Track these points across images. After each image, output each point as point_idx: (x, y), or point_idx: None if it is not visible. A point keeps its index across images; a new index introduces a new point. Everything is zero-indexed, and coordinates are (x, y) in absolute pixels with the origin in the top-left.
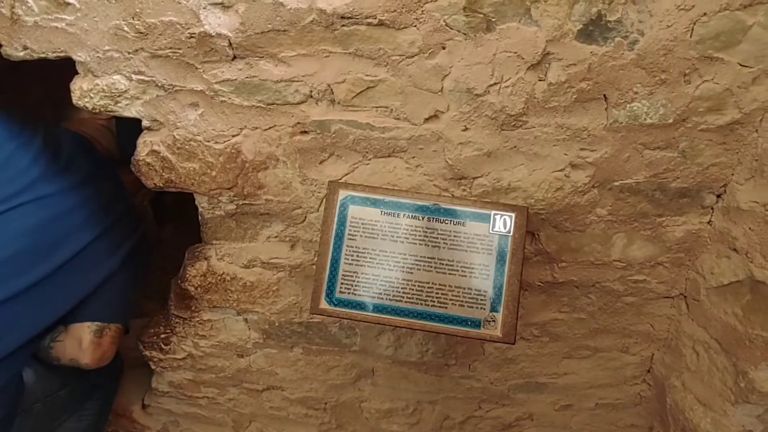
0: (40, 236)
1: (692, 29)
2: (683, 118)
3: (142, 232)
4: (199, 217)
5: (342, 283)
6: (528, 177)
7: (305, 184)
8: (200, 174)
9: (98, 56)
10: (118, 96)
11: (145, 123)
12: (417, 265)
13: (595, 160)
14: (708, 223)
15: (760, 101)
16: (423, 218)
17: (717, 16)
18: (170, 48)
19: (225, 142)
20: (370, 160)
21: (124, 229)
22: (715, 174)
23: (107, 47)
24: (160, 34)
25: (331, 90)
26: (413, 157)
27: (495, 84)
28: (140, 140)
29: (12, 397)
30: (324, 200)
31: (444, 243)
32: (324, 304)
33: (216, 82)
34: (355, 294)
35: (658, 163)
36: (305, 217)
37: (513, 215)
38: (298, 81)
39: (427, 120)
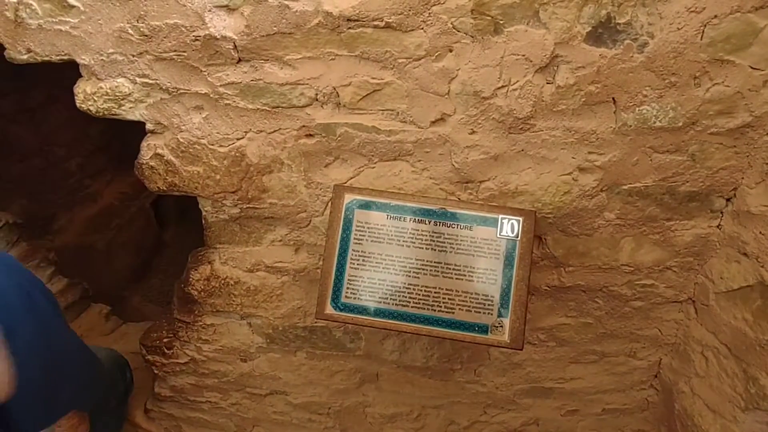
0: None
1: (703, 32)
2: (693, 121)
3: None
4: (203, 221)
5: (348, 288)
6: (535, 181)
7: (310, 187)
8: (204, 177)
9: (102, 59)
10: (122, 99)
11: (149, 126)
12: (423, 269)
13: (603, 163)
14: (717, 227)
15: None
16: (429, 222)
17: (728, 19)
18: (175, 51)
19: (229, 145)
20: (375, 163)
21: None
22: (725, 178)
23: (111, 50)
24: (164, 37)
25: (337, 93)
26: (419, 161)
27: (502, 87)
28: (144, 143)
29: None
30: (329, 204)
31: (451, 247)
32: (329, 309)
33: (221, 85)
34: (361, 299)
35: (667, 167)
36: (310, 221)
37: (520, 219)
38: (303, 84)
39: (433, 123)
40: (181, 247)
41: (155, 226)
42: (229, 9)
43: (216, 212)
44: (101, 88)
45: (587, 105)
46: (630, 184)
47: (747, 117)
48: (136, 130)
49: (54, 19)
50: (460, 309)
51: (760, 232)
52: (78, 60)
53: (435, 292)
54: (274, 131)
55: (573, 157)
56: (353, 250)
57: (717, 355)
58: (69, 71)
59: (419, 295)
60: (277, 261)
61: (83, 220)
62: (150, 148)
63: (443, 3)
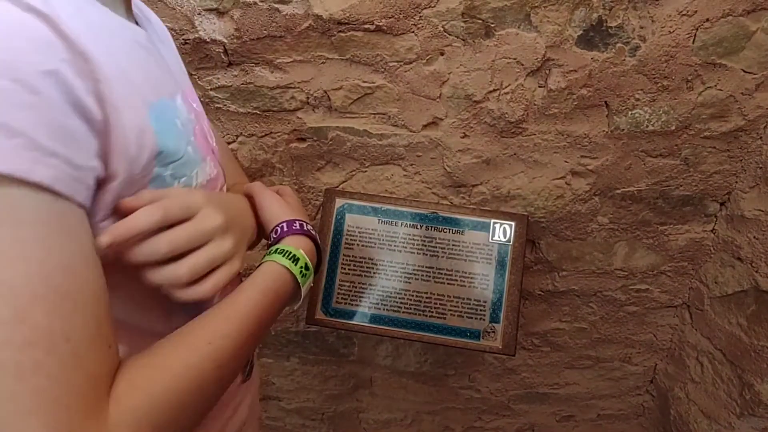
0: None
1: (695, 35)
2: (686, 125)
3: None
4: None
5: (339, 293)
6: (528, 185)
7: (302, 191)
8: None
9: None
10: None
11: None
12: (415, 274)
13: (596, 167)
14: (711, 231)
15: (764, 108)
16: (421, 227)
17: (720, 22)
18: None
19: None
20: (367, 167)
21: None
22: (719, 182)
23: None
24: None
25: (328, 96)
26: (411, 165)
27: (494, 90)
28: None
29: None
30: (320, 208)
31: (443, 252)
32: (320, 314)
33: (211, 89)
34: (352, 304)
35: (660, 171)
36: None
37: (513, 224)
38: (294, 87)
39: (425, 127)
40: None
41: None
42: (219, 12)
43: None
44: None
45: (579, 109)
46: (623, 188)
47: (740, 121)
48: None
49: None
50: (451, 314)
51: (754, 237)
52: None
53: (427, 298)
54: (265, 135)
55: (566, 161)
56: (344, 255)
57: (712, 360)
58: None
59: (411, 300)
60: None
61: None
62: None
63: (434, 6)
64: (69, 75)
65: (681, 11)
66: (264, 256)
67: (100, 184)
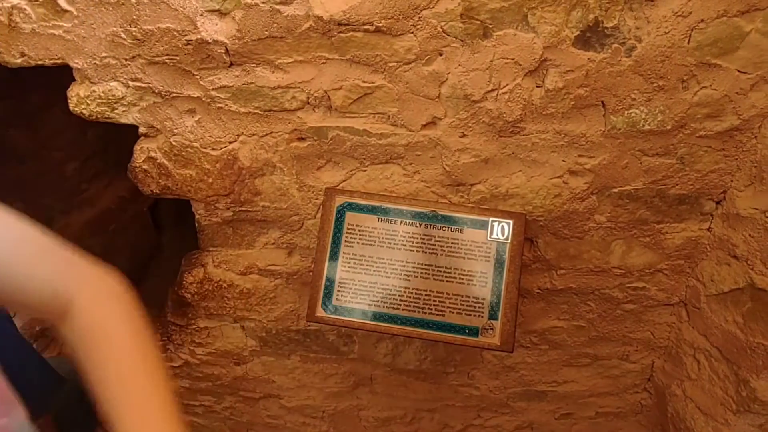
0: None
1: (690, 36)
2: (682, 124)
3: None
4: (196, 224)
5: (339, 291)
6: (526, 183)
7: (302, 190)
8: (197, 181)
9: (95, 63)
10: (115, 103)
11: (141, 130)
12: (414, 272)
13: (593, 166)
14: (707, 229)
15: (758, 107)
16: (420, 225)
17: (714, 23)
18: (167, 55)
19: (222, 148)
20: (367, 166)
21: None
22: (714, 180)
23: (104, 54)
24: (156, 41)
25: (328, 96)
26: (411, 164)
27: (492, 90)
28: (137, 147)
29: None
30: (321, 207)
31: (442, 250)
32: (321, 312)
33: (213, 89)
34: (352, 301)
35: (656, 170)
36: (302, 223)
37: (511, 222)
38: (294, 87)
39: (424, 126)
40: (178, 251)
41: (152, 229)
42: (221, 13)
43: (209, 215)
44: (94, 91)
45: (576, 108)
46: (620, 187)
47: (735, 120)
48: (134, 134)
49: (47, 24)
50: (450, 312)
51: (750, 235)
52: (71, 64)
53: (426, 295)
54: (266, 134)
55: (563, 160)
56: (344, 253)
57: (708, 357)
58: (67, 75)
59: (410, 297)
60: (270, 264)
61: (80, 224)
62: (143, 152)
63: (432, 7)
64: None
65: (676, 12)
66: None
67: None
